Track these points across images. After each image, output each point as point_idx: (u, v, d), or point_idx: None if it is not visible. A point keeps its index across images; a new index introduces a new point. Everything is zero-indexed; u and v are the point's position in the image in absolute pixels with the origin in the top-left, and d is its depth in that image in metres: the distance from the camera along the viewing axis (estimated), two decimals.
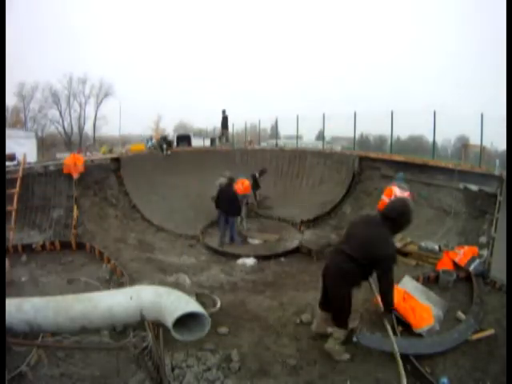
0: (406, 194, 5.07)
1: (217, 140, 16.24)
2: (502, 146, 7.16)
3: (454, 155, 10.50)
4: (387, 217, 2.62)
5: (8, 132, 11.30)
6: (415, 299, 3.54)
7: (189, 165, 10.69)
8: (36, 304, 1.52)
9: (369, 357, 3.04)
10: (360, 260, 2.57)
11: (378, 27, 66.21)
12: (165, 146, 10.85)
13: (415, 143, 12.40)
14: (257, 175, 9.61)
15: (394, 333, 3.21)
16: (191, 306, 1.42)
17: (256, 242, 7.11)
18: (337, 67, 71.01)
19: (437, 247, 5.64)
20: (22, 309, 1.49)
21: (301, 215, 8.43)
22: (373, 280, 2.84)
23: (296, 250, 6.23)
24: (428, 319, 3.32)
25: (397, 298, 3.44)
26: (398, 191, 5.10)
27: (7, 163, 5.83)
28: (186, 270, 5.16)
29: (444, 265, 4.72)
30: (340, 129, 12.71)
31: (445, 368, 2.90)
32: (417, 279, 4.45)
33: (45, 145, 24.94)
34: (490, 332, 3.33)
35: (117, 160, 7.88)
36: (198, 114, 57.29)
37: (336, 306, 2.76)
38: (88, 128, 35.00)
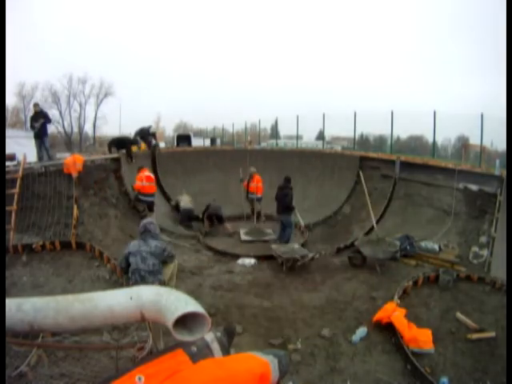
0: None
1: None
2: (502, 145, 7.17)
3: (454, 155, 10.50)
4: None
5: (8, 132, 11.28)
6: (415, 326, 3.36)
7: (189, 164, 10.70)
8: (36, 304, 1.52)
9: (369, 357, 3.05)
10: None
11: (379, 26, 66.25)
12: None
13: (415, 143, 12.41)
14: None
15: (397, 341, 3.22)
16: (191, 305, 1.41)
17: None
18: (337, 67, 71.10)
19: (437, 247, 5.64)
20: (22, 309, 1.49)
21: (302, 216, 8.43)
22: None
23: None
24: (427, 342, 3.14)
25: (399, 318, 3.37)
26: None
27: (7, 163, 5.82)
28: (186, 270, 5.18)
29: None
30: (340, 129, 12.72)
31: (445, 368, 2.91)
32: (417, 279, 4.46)
33: None
34: (490, 334, 3.33)
35: (118, 160, 7.89)
36: (198, 114, 57.26)
37: None
38: (88, 128, 35.00)
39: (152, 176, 7.69)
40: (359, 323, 3.55)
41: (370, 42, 66.81)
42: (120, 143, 8.67)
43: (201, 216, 8.15)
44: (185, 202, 8.39)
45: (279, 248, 5.66)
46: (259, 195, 8.56)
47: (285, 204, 6.61)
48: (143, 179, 7.32)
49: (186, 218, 8.16)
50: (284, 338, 3.30)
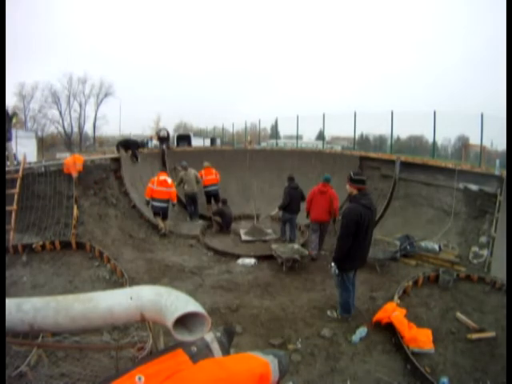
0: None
1: None
2: (502, 145, 7.17)
3: (454, 155, 10.50)
4: None
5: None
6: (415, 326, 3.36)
7: (189, 163, 10.69)
8: (36, 304, 1.52)
9: (369, 357, 3.05)
10: None
11: (378, 26, 66.24)
12: (164, 146, 10.48)
13: (415, 143, 12.40)
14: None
15: (397, 341, 3.22)
16: (191, 305, 1.41)
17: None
18: (337, 67, 71.08)
19: (437, 247, 5.64)
20: (22, 309, 1.49)
21: (302, 216, 8.43)
22: None
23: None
24: (426, 343, 3.13)
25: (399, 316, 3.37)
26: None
27: (7, 163, 5.83)
28: (186, 270, 5.18)
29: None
30: (340, 129, 12.73)
31: (445, 368, 2.91)
32: (417, 279, 4.46)
33: (45, 145, 24.91)
34: (490, 334, 3.33)
35: (117, 160, 7.89)
36: (198, 114, 57.31)
37: None
38: (88, 128, 35.06)
39: (168, 181, 7.12)
40: (359, 323, 3.55)
41: (370, 41, 66.82)
42: (127, 144, 8.91)
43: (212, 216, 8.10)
44: (189, 181, 8.24)
45: (279, 248, 5.66)
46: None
47: (299, 203, 6.57)
48: (155, 182, 6.98)
49: (190, 200, 8.26)
50: (284, 338, 3.30)
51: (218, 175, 9.00)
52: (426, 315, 3.74)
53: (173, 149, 11.32)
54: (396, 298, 3.85)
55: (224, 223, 7.70)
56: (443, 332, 3.42)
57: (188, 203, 8.41)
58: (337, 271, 3.54)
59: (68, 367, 2.23)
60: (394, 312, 3.39)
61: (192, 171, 8.42)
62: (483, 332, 3.38)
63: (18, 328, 1.49)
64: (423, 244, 5.70)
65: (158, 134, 11.05)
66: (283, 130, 17.48)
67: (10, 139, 6.27)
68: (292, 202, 6.55)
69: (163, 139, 10.63)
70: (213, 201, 8.79)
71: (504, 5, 5.13)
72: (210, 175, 8.81)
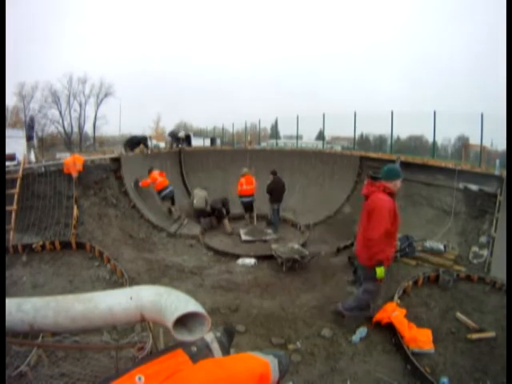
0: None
1: None
2: (502, 145, 7.16)
3: (454, 155, 10.50)
4: None
5: (8, 132, 11.29)
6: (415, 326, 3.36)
7: (188, 164, 10.72)
8: (36, 304, 1.52)
9: (369, 357, 3.05)
10: None
11: (376, 25, 66.25)
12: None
13: (415, 143, 12.40)
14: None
15: (397, 341, 3.21)
16: (191, 305, 1.41)
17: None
18: (337, 66, 71.08)
19: (442, 247, 5.57)
20: (22, 309, 1.49)
21: (302, 216, 8.44)
22: None
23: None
24: (426, 343, 3.13)
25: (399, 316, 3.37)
26: None
27: (7, 163, 5.83)
28: (186, 270, 5.18)
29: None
30: (340, 129, 12.73)
31: (445, 368, 2.90)
32: (417, 279, 4.45)
33: (45, 145, 24.87)
34: (490, 334, 3.33)
35: (117, 160, 7.88)
36: (198, 114, 57.34)
37: None
38: (88, 128, 35.03)
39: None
40: (359, 323, 3.55)
41: (370, 40, 66.83)
42: (136, 141, 9.32)
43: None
44: (198, 198, 8.17)
45: (279, 248, 5.66)
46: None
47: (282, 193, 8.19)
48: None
49: (198, 216, 8.16)
50: (284, 338, 3.30)
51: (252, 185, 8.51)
52: (426, 315, 3.74)
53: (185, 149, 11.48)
54: (396, 298, 3.85)
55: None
56: (443, 332, 3.42)
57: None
58: None
59: (68, 367, 2.22)
60: (393, 312, 3.39)
61: (203, 192, 8.29)
62: (483, 332, 3.38)
63: (18, 328, 1.49)
64: (428, 244, 5.64)
65: (174, 133, 11.62)
66: (283, 130, 17.51)
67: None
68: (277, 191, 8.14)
69: (181, 140, 11.16)
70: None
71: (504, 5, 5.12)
72: (249, 185, 8.40)
